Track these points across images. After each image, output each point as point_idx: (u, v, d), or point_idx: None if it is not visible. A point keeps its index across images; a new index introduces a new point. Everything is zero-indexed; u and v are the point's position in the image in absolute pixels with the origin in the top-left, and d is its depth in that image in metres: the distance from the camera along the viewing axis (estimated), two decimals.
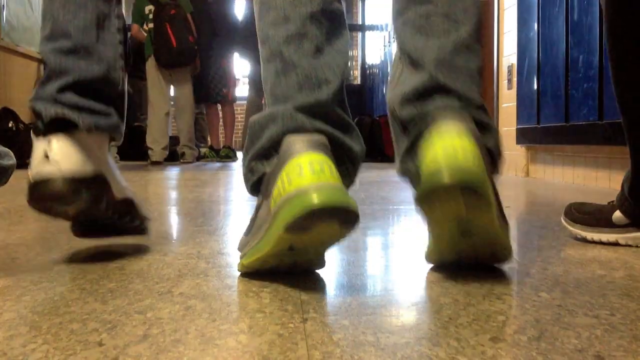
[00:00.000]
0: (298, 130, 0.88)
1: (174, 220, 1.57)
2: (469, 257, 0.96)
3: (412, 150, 0.92)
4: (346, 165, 0.93)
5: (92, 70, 1.02)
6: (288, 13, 0.93)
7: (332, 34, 0.96)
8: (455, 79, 0.92)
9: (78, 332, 0.66)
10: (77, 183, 0.93)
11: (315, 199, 0.76)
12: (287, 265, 0.90)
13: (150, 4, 5.19)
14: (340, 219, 0.79)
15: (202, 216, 1.67)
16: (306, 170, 0.80)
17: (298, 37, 0.93)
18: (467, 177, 0.80)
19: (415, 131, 0.92)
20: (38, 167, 0.92)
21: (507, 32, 3.71)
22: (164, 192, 2.43)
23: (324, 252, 0.91)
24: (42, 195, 0.92)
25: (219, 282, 0.89)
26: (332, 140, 0.89)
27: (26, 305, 0.76)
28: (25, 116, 5.36)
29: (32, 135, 0.97)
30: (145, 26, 5.29)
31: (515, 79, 3.49)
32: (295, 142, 0.84)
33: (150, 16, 5.18)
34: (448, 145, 0.82)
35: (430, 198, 0.84)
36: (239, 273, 0.96)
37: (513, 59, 3.53)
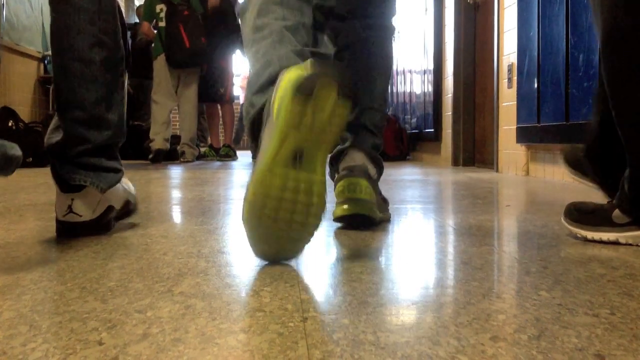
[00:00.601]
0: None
1: (173, 219, 1.57)
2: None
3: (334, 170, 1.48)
4: None
5: (103, 137, 1.29)
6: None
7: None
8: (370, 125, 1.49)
9: (78, 331, 0.66)
10: (93, 223, 1.30)
11: (315, 69, 0.89)
12: (290, 202, 0.93)
13: (162, 3, 5.20)
14: (338, 86, 0.89)
15: (202, 215, 1.67)
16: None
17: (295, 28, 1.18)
18: (360, 208, 1.34)
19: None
20: (65, 217, 1.29)
21: (507, 31, 3.70)
22: (164, 191, 2.43)
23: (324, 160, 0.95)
24: (69, 232, 1.30)
25: (219, 281, 0.89)
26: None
27: (26, 304, 0.76)
28: (24, 115, 5.36)
29: (55, 184, 1.32)
30: (154, 24, 5.31)
31: (515, 78, 3.49)
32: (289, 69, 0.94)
33: (161, 15, 5.19)
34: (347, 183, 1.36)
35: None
36: (239, 272, 0.96)
37: (513, 58, 3.53)
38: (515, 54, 3.45)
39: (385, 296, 0.81)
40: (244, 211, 1.00)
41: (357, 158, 1.43)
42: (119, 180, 1.35)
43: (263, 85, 1.04)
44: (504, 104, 3.75)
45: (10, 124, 4.70)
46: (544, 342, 0.62)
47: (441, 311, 0.73)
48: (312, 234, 0.98)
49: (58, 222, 1.30)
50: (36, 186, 2.70)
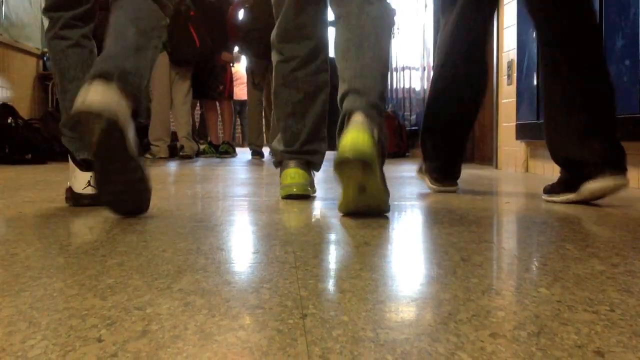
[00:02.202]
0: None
1: (173, 216, 1.57)
2: (364, 207, 1.53)
3: (340, 134, 1.50)
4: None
5: None
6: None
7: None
8: (362, 84, 1.56)
9: (77, 328, 0.66)
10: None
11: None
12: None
13: None
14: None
15: (201, 212, 1.67)
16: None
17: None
18: (362, 154, 1.35)
19: (341, 123, 1.54)
20: (84, 189, 1.70)
21: (507, 28, 3.70)
22: (163, 188, 2.43)
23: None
24: (85, 201, 1.69)
25: (218, 278, 0.89)
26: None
27: (25, 301, 0.76)
28: (23, 112, 5.36)
29: (76, 165, 1.70)
30: None
31: (515, 75, 3.49)
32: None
33: None
34: (354, 136, 1.37)
35: (340, 167, 1.39)
36: (238, 269, 0.96)
37: (513, 55, 3.53)
38: (515, 50, 3.45)
39: (385, 293, 0.81)
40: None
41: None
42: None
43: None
44: (503, 101, 3.75)
45: (9, 121, 4.70)
46: (544, 339, 0.62)
47: (440, 308, 0.73)
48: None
49: (76, 194, 1.68)
50: (35, 183, 2.70)
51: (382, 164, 1.51)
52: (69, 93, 1.66)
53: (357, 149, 1.35)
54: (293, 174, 1.95)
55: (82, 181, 1.67)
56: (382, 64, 1.61)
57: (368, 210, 1.53)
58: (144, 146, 5.37)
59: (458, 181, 2.35)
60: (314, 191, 2.09)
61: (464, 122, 2.28)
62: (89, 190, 1.68)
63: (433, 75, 2.28)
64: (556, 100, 1.88)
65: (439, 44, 2.24)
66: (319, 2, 1.91)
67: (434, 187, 2.31)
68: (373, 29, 1.63)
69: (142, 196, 1.51)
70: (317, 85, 1.99)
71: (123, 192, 1.45)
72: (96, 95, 1.32)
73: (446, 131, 2.27)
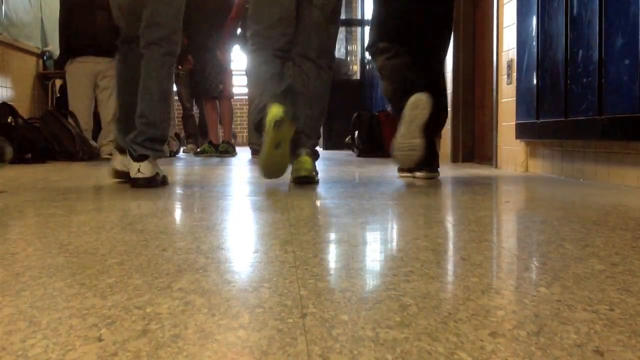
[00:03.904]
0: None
1: (173, 215, 1.57)
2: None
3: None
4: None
5: (157, 133, 2.45)
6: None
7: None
8: (310, 132, 2.55)
9: (77, 327, 0.66)
10: (150, 179, 2.38)
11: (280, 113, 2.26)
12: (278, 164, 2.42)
13: None
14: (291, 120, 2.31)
15: (200, 211, 1.67)
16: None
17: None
18: (309, 172, 2.46)
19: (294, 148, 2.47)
20: (136, 175, 2.36)
21: (506, 27, 3.70)
22: (163, 187, 2.43)
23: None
24: (137, 185, 2.35)
25: (218, 277, 0.89)
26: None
27: (25, 301, 0.76)
28: (23, 111, 5.35)
29: (130, 156, 2.39)
30: None
31: (514, 74, 3.49)
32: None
33: None
34: (303, 160, 2.46)
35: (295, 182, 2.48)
36: (238, 268, 0.96)
37: (512, 54, 3.53)
38: (515, 49, 3.45)
39: (384, 292, 0.81)
40: (259, 167, 2.43)
41: (303, 151, 2.51)
42: (160, 157, 2.50)
43: (260, 108, 2.40)
44: (503, 100, 3.75)
45: (9, 120, 4.69)
46: (543, 338, 0.62)
47: (440, 307, 0.73)
48: (286, 167, 2.45)
49: (131, 179, 2.38)
50: (35, 182, 2.70)
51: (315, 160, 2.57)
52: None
53: (306, 169, 2.46)
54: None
55: (134, 168, 2.38)
56: (325, 111, 2.64)
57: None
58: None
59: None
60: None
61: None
62: (139, 175, 2.40)
63: None
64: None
65: None
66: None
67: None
68: (322, 89, 2.58)
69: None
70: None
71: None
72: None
73: None
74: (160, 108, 2.42)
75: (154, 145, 2.39)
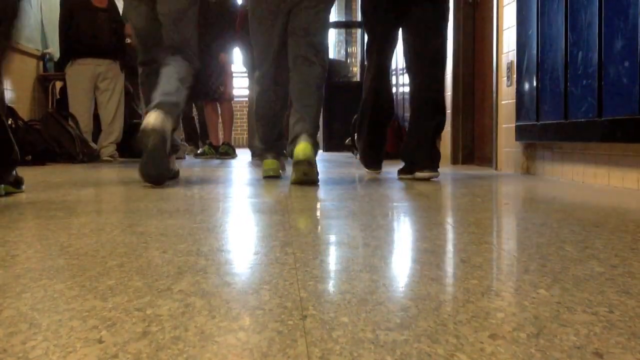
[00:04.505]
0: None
1: (173, 217, 1.57)
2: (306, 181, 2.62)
3: (292, 146, 2.70)
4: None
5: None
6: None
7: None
8: (306, 119, 2.73)
9: (78, 329, 0.66)
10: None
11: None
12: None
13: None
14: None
15: (201, 213, 1.67)
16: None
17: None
18: (308, 157, 2.56)
19: (293, 141, 2.72)
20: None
21: (506, 29, 3.70)
22: (163, 189, 2.43)
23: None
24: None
25: (218, 279, 0.89)
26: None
27: (26, 303, 0.77)
28: (24, 113, 5.36)
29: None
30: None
31: (514, 76, 3.49)
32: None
33: None
34: (302, 147, 2.58)
35: (297, 165, 2.60)
36: (238, 270, 0.96)
37: (512, 56, 3.53)
38: (515, 51, 3.45)
39: (384, 294, 0.81)
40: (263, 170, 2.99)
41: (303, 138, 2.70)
42: (176, 152, 3.03)
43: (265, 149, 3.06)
44: (503, 102, 3.75)
45: (9, 122, 4.69)
46: (543, 340, 0.62)
47: (440, 309, 0.73)
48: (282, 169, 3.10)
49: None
50: (35, 184, 2.70)
51: (316, 154, 2.69)
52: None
53: (305, 154, 2.57)
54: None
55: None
56: (320, 103, 2.84)
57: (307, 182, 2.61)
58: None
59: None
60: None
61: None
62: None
63: None
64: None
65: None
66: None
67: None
68: (315, 82, 2.80)
69: (166, 174, 2.60)
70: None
71: (157, 172, 2.48)
72: (154, 120, 2.46)
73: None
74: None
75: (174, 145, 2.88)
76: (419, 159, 2.92)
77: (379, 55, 3.13)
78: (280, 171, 3.05)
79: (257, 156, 3.31)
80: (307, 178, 2.57)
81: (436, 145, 3.02)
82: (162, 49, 2.76)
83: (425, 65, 2.98)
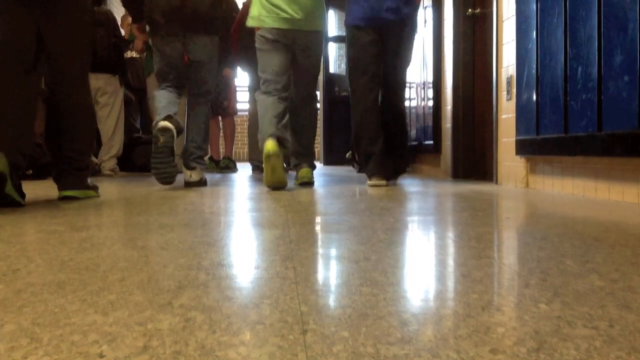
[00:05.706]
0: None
1: (174, 231, 1.58)
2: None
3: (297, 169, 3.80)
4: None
5: (201, 152, 3.79)
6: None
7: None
8: (304, 153, 3.79)
9: (79, 343, 0.66)
10: (198, 182, 3.69)
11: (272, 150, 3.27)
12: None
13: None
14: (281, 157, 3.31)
15: (201, 227, 1.67)
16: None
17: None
18: (309, 180, 3.70)
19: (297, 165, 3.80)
20: (189, 180, 3.65)
21: (506, 44, 3.72)
22: (163, 203, 2.43)
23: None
24: (189, 186, 3.66)
25: (219, 293, 0.89)
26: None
27: (27, 317, 0.77)
28: None
29: (185, 167, 3.71)
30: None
31: (514, 90, 3.50)
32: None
33: None
34: (304, 171, 3.70)
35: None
36: (239, 285, 0.96)
37: (512, 70, 3.55)
38: (514, 66, 3.47)
39: (385, 308, 0.81)
40: (266, 183, 3.20)
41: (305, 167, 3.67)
42: (204, 168, 3.75)
43: (262, 139, 3.31)
44: (503, 116, 3.76)
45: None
46: (543, 355, 0.62)
47: (441, 324, 0.74)
48: (285, 182, 3.27)
49: (185, 182, 3.58)
50: (36, 199, 2.70)
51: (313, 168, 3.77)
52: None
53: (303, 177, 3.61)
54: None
55: (186, 175, 3.65)
56: (313, 137, 3.83)
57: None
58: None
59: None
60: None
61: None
62: (190, 180, 3.66)
63: None
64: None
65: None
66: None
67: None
68: (311, 121, 3.81)
69: (173, 175, 3.41)
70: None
71: (165, 172, 3.34)
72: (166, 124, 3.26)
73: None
74: (205, 136, 3.72)
75: (200, 160, 3.69)
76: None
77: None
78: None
79: (257, 169, 4.46)
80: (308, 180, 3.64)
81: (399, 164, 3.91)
82: (192, 83, 3.74)
83: None
